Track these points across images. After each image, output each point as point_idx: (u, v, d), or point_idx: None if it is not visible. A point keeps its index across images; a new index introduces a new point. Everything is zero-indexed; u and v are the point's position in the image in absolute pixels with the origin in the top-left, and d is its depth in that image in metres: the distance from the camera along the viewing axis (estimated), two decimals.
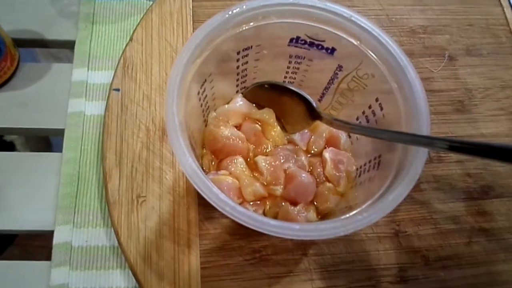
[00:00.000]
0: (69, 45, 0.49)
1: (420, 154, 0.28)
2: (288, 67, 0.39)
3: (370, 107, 0.35)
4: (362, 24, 0.32)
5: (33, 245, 0.92)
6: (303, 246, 0.39)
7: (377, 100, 0.34)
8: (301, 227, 0.26)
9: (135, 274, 0.37)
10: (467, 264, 0.40)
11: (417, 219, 0.41)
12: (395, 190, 0.27)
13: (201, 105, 0.36)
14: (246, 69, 0.38)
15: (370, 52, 0.33)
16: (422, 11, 0.51)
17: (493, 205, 0.42)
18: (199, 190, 0.26)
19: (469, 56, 0.49)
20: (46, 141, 0.77)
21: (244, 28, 0.33)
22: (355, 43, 0.33)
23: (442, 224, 0.41)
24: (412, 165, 0.28)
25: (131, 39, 0.45)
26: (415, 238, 0.40)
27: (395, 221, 0.41)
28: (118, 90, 0.42)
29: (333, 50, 0.35)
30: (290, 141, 0.40)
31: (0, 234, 0.41)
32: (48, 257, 0.39)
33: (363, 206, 0.28)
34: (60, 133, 0.44)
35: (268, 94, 0.39)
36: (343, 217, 0.26)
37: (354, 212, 0.27)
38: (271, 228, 0.26)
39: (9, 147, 0.82)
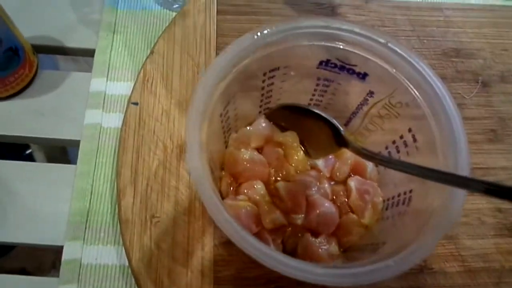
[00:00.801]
0: (89, 53, 0.48)
1: (459, 195, 0.26)
2: (315, 90, 0.37)
3: (401, 137, 0.33)
4: (399, 51, 0.30)
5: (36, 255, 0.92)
6: None
7: (410, 130, 0.32)
8: (325, 271, 0.24)
9: None
10: None
11: (444, 255, 0.39)
12: (429, 237, 0.25)
13: (223, 126, 0.34)
14: (271, 90, 0.36)
15: (406, 80, 0.31)
16: (455, 33, 0.48)
17: None
18: (216, 223, 0.25)
19: (503, 82, 0.46)
20: (63, 149, 0.76)
21: (273, 50, 0.32)
22: (390, 70, 0.31)
23: (470, 261, 0.39)
24: (449, 208, 0.26)
25: (152, 52, 0.44)
26: (441, 276, 0.38)
27: None
28: (136, 104, 0.41)
29: (365, 75, 0.33)
30: (313, 167, 0.38)
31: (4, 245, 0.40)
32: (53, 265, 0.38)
33: (394, 248, 0.26)
34: (75, 144, 0.43)
35: (292, 117, 0.37)
36: (372, 264, 0.24)
37: (384, 255, 0.25)
38: (292, 270, 0.24)
39: (24, 147, 0.82)
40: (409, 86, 0.31)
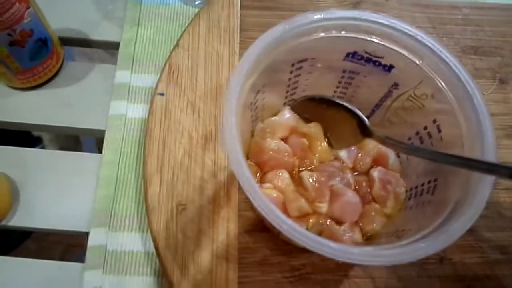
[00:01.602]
0: (114, 46, 0.49)
1: (486, 181, 0.27)
2: (340, 82, 0.38)
3: (425, 128, 0.34)
4: (426, 43, 0.31)
5: (48, 240, 0.94)
6: (344, 267, 0.37)
7: (434, 121, 0.33)
8: (360, 251, 0.24)
9: (171, 284, 0.36)
10: None
11: (463, 246, 0.39)
12: (459, 220, 0.25)
13: (252, 116, 0.35)
14: (297, 81, 0.37)
15: (433, 72, 0.31)
16: (474, 31, 0.49)
17: None
18: (255, 205, 0.25)
19: None
20: (75, 139, 0.77)
21: (300, 41, 0.32)
22: (417, 62, 0.32)
23: (489, 253, 0.39)
24: (477, 194, 0.27)
25: (177, 45, 0.44)
26: (460, 266, 0.38)
27: None
28: (162, 94, 0.42)
29: (390, 67, 0.34)
30: (336, 158, 0.39)
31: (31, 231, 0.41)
32: (62, 254, 0.39)
33: (424, 233, 0.26)
34: (100, 134, 0.44)
35: (317, 108, 0.38)
36: (402, 243, 0.25)
37: (414, 238, 0.26)
38: (332, 251, 0.24)
39: (36, 141, 0.83)
40: (436, 77, 0.31)
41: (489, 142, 0.28)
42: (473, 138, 0.29)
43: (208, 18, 0.46)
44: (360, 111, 0.37)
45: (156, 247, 0.37)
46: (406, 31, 0.31)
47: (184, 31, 0.45)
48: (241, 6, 0.47)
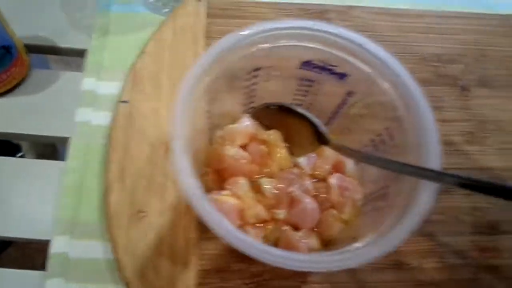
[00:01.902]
0: (82, 54, 0.49)
1: (430, 188, 0.27)
2: (298, 90, 0.38)
3: (379, 135, 0.35)
4: (376, 52, 0.32)
5: (31, 247, 0.93)
6: (303, 273, 0.38)
7: (387, 128, 0.34)
8: (311, 259, 0.25)
9: None
10: None
11: (422, 251, 0.40)
12: (401, 226, 0.26)
13: (209, 123, 0.35)
14: (255, 89, 0.37)
15: (382, 81, 0.32)
16: (437, 39, 0.50)
17: (500, 241, 0.41)
18: (200, 215, 0.26)
19: (482, 87, 0.48)
20: (52, 147, 0.77)
21: (255, 49, 0.33)
22: (368, 70, 0.33)
23: (447, 258, 0.40)
24: (420, 200, 0.27)
25: (142, 52, 0.45)
26: (418, 271, 0.39)
27: (399, 252, 0.39)
28: (126, 102, 0.42)
29: (344, 75, 0.34)
30: (296, 165, 0.39)
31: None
32: (44, 263, 0.39)
33: (368, 240, 0.27)
34: (66, 141, 0.44)
35: (276, 116, 0.38)
36: (345, 250, 0.26)
37: (357, 245, 0.27)
38: (275, 258, 0.25)
39: (15, 150, 0.82)
40: (386, 85, 0.32)
41: (434, 150, 0.29)
42: (419, 146, 0.30)
43: (174, 26, 0.46)
44: (319, 118, 0.37)
45: (116, 254, 0.37)
46: (357, 40, 0.32)
47: (150, 38, 0.46)
48: (207, 14, 0.47)
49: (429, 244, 0.40)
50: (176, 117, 0.27)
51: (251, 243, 0.25)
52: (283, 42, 0.33)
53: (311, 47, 0.33)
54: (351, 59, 0.33)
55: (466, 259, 0.40)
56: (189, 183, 0.26)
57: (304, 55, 0.34)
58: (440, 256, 0.40)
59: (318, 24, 0.32)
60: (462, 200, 0.43)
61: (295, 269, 0.25)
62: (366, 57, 0.32)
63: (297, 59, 0.35)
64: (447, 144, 0.45)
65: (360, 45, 0.32)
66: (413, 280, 0.39)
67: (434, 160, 0.28)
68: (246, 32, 0.31)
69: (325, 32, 0.32)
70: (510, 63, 0.50)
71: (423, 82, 0.47)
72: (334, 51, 0.33)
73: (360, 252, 0.25)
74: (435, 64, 0.48)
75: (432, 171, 0.29)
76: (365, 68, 0.33)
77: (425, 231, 0.41)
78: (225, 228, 0.26)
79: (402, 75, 0.31)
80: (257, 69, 0.35)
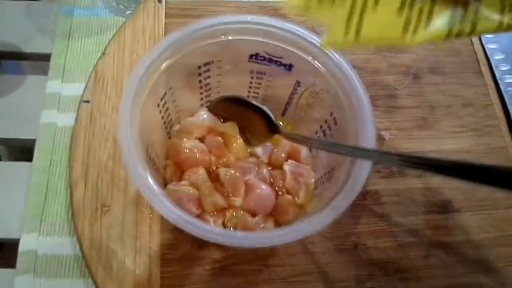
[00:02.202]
0: (46, 58, 0.50)
1: (364, 166, 0.29)
2: (251, 83, 0.40)
3: (326, 121, 0.37)
4: (314, 42, 0.33)
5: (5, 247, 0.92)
6: (263, 257, 0.39)
7: (331, 114, 0.35)
8: (243, 235, 0.27)
9: (95, 283, 0.37)
10: (425, 276, 0.40)
11: (377, 232, 0.42)
12: (335, 202, 0.28)
13: (163, 117, 0.37)
14: (209, 84, 0.39)
15: (323, 68, 0.34)
16: None
17: (452, 220, 0.43)
18: (146, 198, 0.27)
19: (433, 74, 0.50)
20: (29, 151, 0.77)
21: (204, 44, 0.35)
22: (310, 60, 0.34)
23: (401, 237, 0.42)
24: (355, 179, 0.29)
25: (103, 53, 0.46)
26: (374, 251, 0.41)
27: (355, 233, 0.41)
28: (88, 102, 0.44)
29: (290, 66, 0.36)
30: (253, 154, 0.41)
31: None
32: (8, 265, 0.40)
33: (306, 218, 0.29)
34: (32, 143, 0.45)
35: (232, 108, 0.40)
36: (289, 226, 0.27)
37: (301, 221, 0.28)
38: (215, 236, 0.26)
39: None
40: (326, 74, 0.34)
41: (369, 132, 0.30)
42: (357, 130, 0.32)
43: (133, 27, 0.48)
44: (274, 110, 0.39)
45: (81, 247, 0.38)
46: (298, 32, 0.34)
47: (110, 40, 0.47)
48: (166, 15, 0.49)
49: (384, 225, 0.42)
50: (122, 106, 0.29)
51: (195, 223, 0.27)
52: (229, 37, 0.35)
53: (256, 40, 0.35)
54: (293, 50, 0.35)
55: (419, 237, 0.42)
56: (136, 172, 0.28)
57: (251, 48, 0.36)
58: (394, 235, 0.42)
59: (259, 18, 0.34)
60: (416, 181, 0.45)
61: (233, 245, 0.26)
62: (307, 48, 0.34)
63: (245, 52, 0.36)
64: (400, 129, 0.47)
65: (299, 36, 0.34)
66: (368, 260, 0.41)
67: (369, 141, 0.30)
68: (191, 28, 0.33)
69: (267, 25, 0.34)
70: (460, 51, 0.52)
71: (376, 72, 0.50)
72: (277, 43, 0.35)
73: (300, 227, 0.27)
74: (388, 54, 0.51)
75: (376, 151, 0.30)
76: (308, 58, 0.34)
77: (379, 212, 0.43)
78: (171, 209, 0.27)
79: (340, 63, 0.33)
80: (207, 64, 0.37)
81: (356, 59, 0.50)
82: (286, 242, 0.27)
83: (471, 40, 0.53)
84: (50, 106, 0.46)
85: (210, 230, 0.27)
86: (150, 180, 0.28)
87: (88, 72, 0.48)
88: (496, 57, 0.52)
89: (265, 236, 0.27)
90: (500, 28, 0.21)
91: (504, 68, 0.51)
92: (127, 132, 0.28)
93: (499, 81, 0.50)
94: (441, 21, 0.21)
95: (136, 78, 0.30)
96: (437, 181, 0.45)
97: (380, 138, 0.46)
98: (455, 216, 0.43)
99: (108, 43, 0.47)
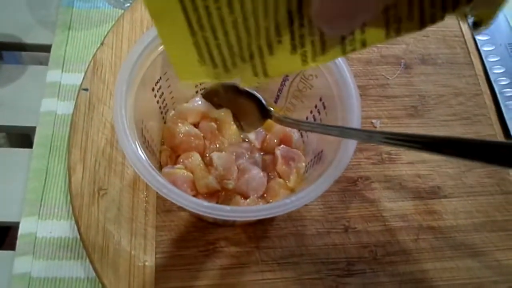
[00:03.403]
0: (47, 49, 0.51)
1: (350, 145, 0.30)
2: None
3: (316, 106, 0.38)
4: None
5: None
6: (255, 239, 0.41)
7: (320, 99, 0.37)
8: (232, 209, 0.28)
9: (92, 263, 0.38)
10: (414, 260, 0.41)
11: (367, 216, 0.43)
12: (321, 178, 0.29)
13: (158, 102, 0.38)
14: None
15: None
16: None
17: (441, 205, 0.44)
18: (137, 171, 0.28)
19: (424, 64, 0.51)
20: (29, 139, 0.79)
21: None
22: None
23: (391, 221, 0.43)
24: (340, 157, 0.30)
25: (102, 43, 0.48)
26: (364, 234, 0.42)
27: (345, 217, 0.42)
28: (86, 90, 0.45)
29: None
30: (246, 140, 0.42)
31: None
32: (8, 247, 0.41)
33: (292, 195, 0.30)
34: (32, 131, 0.47)
35: (226, 95, 0.41)
36: (271, 202, 0.28)
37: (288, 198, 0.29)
38: (204, 209, 0.27)
39: None
40: None
41: (354, 113, 0.32)
42: (344, 112, 0.33)
43: (132, 18, 0.49)
44: (267, 98, 0.40)
45: (79, 229, 0.39)
46: None
47: (109, 30, 0.48)
48: None
49: (374, 210, 0.43)
50: (117, 86, 0.30)
51: (185, 197, 0.28)
52: None
53: None
54: None
55: (408, 222, 0.43)
56: (128, 143, 0.29)
57: None
58: (384, 220, 0.43)
59: None
60: (406, 168, 0.46)
61: (221, 217, 0.27)
62: None
63: None
64: (391, 118, 0.48)
65: None
66: (359, 242, 0.42)
67: (354, 121, 0.31)
68: None
69: None
70: (451, 42, 0.53)
71: (368, 62, 0.51)
72: None
73: (286, 202, 0.28)
74: (379, 45, 0.52)
75: (361, 131, 0.32)
76: None
77: (370, 198, 0.44)
78: (163, 184, 0.28)
79: None
80: None
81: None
82: (270, 216, 0.28)
83: (462, 32, 0.54)
84: (50, 95, 0.48)
85: (199, 203, 0.28)
86: (140, 151, 0.29)
87: (87, 62, 0.49)
88: (486, 48, 0.53)
89: (251, 209, 0.29)
90: (389, 37, 0.23)
91: (493, 59, 0.52)
92: (121, 104, 0.30)
93: (489, 72, 0.51)
94: (334, 46, 0.24)
95: (133, 58, 0.31)
96: (426, 167, 0.46)
97: (371, 127, 0.47)
98: (443, 201, 0.44)
99: (107, 34, 0.48)
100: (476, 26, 0.23)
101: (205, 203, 0.28)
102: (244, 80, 0.26)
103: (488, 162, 0.23)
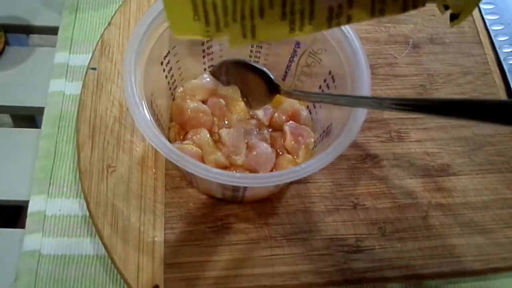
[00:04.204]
0: (54, 31, 0.52)
1: (359, 114, 0.30)
2: (252, 46, 0.41)
3: (325, 80, 0.38)
4: None
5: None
6: (264, 216, 0.41)
7: (330, 73, 0.36)
8: (241, 175, 0.28)
9: (101, 239, 0.38)
10: (422, 236, 0.41)
11: (376, 193, 0.43)
12: (332, 146, 0.29)
13: (166, 77, 0.38)
14: (211, 47, 0.40)
15: None
16: None
17: (450, 182, 0.44)
18: (144, 135, 0.28)
19: (432, 44, 0.51)
20: (38, 119, 0.79)
21: None
22: None
23: (399, 198, 0.43)
24: (350, 127, 0.30)
25: (109, 24, 0.48)
26: (373, 211, 0.42)
27: (354, 194, 0.42)
28: (94, 69, 0.45)
29: None
30: (254, 117, 0.42)
31: None
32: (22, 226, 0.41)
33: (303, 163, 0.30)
34: (41, 111, 0.47)
35: (234, 72, 0.41)
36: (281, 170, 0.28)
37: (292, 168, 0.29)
38: (214, 174, 0.27)
39: None
40: (326, 33, 0.35)
41: (365, 84, 0.31)
42: (354, 82, 0.33)
43: None
44: (275, 75, 0.40)
45: (88, 206, 0.40)
46: None
47: (116, 11, 0.48)
48: None
49: (383, 187, 0.43)
50: (127, 52, 0.30)
51: (195, 163, 0.28)
52: None
53: None
54: None
55: (417, 199, 0.43)
56: (139, 115, 0.29)
57: None
58: (393, 197, 0.43)
59: None
60: (415, 146, 0.45)
61: (231, 183, 0.27)
62: None
63: None
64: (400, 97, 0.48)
65: None
66: (368, 219, 0.41)
67: (365, 89, 0.31)
68: None
69: None
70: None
71: (376, 42, 0.51)
72: None
73: (294, 170, 0.28)
74: (387, 24, 0.51)
75: (371, 98, 0.31)
76: None
77: (379, 175, 0.43)
78: (171, 149, 0.28)
79: None
80: None
81: (357, 29, 0.50)
82: (280, 182, 0.28)
83: None
84: (58, 76, 0.48)
85: (208, 169, 0.28)
86: (148, 116, 0.29)
87: (95, 43, 0.49)
88: (495, 27, 0.52)
89: (260, 176, 0.29)
90: (373, 16, 0.25)
91: (502, 38, 0.51)
92: (131, 72, 0.30)
93: (498, 51, 0.51)
94: (321, 17, 0.25)
95: (140, 31, 0.31)
96: (435, 145, 0.46)
97: None
98: (452, 179, 0.44)
99: (114, 14, 0.48)
100: (454, 17, 0.25)
101: (215, 169, 0.28)
102: (232, 40, 0.27)
103: (497, 122, 0.23)
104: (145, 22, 0.32)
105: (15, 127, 0.52)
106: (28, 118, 0.55)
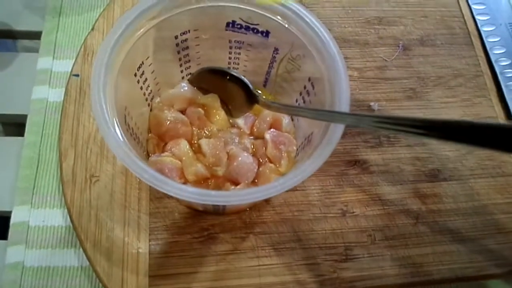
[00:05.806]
0: (37, 36, 0.50)
1: (337, 129, 0.29)
2: (230, 53, 0.40)
3: (305, 87, 0.37)
4: (289, 6, 0.33)
5: None
6: (251, 225, 0.40)
7: (309, 79, 0.36)
8: (217, 193, 0.27)
9: (85, 251, 0.38)
10: (413, 244, 0.41)
11: (365, 200, 0.42)
12: (308, 161, 0.28)
13: (141, 88, 0.37)
14: (188, 54, 0.39)
15: (299, 33, 0.34)
16: (378, 3, 0.52)
17: (440, 188, 0.43)
18: (114, 153, 0.27)
19: (422, 46, 0.50)
20: (21, 127, 0.78)
21: (178, 12, 0.34)
22: (286, 25, 0.34)
23: (389, 205, 0.42)
24: (329, 138, 0.29)
25: (92, 28, 0.47)
26: (362, 219, 0.41)
27: (343, 202, 0.42)
28: (77, 75, 0.44)
29: (267, 33, 0.36)
30: (235, 126, 0.41)
31: None
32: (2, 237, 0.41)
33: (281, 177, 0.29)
34: (23, 119, 0.46)
35: (213, 80, 0.40)
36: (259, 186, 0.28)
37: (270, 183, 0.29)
38: (188, 194, 0.27)
39: None
40: (302, 38, 0.34)
41: (343, 90, 0.30)
42: (333, 92, 0.32)
43: (122, 3, 0.48)
44: (255, 82, 0.39)
45: (71, 217, 0.39)
46: None
47: (99, 15, 0.47)
48: None
49: (372, 193, 0.42)
50: (95, 67, 0.29)
51: (168, 182, 0.27)
52: (204, 3, 0.35)
53: (231, 7, 0.35)
54: (269, 15, 0.35)
55: (408, 206, 0.42)
56: (110, 134, 0.28)
57: (227, 16, 0.36)
58: (382, 204, 0.42)
59: None
60: (404, 151, 0.45)
61: (209, 202, 0.26)
62: (282, 12, 0.34)
63: (222, 20, 0.36)
64: (389, 100, 0.47)
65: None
66: (357, 227, 0.41)
67: (343, 105, 0.30)
68: None
69: None
70: (450, 22, 0.52)
71: (366, 44, 0.50)
72: (253, 9, 0.35)
73: (273, 185, 0.27)
74: (377, 26, 0.50)
75: (351, 114, 0.30)
76: (283, 23, 0.34)
77: (368, 181, 0.43)
78: (143, 169, 0.27)
79: (315, 26, 0.33)
80: (184, 33, 0.37)
81: (345, 31, 0.50)
82: (258, 200, 0.27)
83: (461, 12, 0.53)
84: (41, 82, 0.47)
85: (184, 188, 0.27)
86: (121, 136, 0.28)
87: (77, 48, 0.48)
88: (486, 28, 0.51)
89: (237, 194, 0.28)
90: None
91: (494, 40, 0.50)
92: (99, 88, 0.29)
93: (489, 52, 0.50)
94: None
95: (110, 42, 0.30)
96: (425, 150, 0.45)
97: (369, 109, 0.46)
98: (443, 184, 0.43)
99: (97, 19, 0.47)
100: None
101: (190, 188, 0.27)
102: None
103: (486, 147, 0.22)
104: (114, 34, 0.31)
105: (5, 135, 0.51)
106: (18, 125, 0.55)
